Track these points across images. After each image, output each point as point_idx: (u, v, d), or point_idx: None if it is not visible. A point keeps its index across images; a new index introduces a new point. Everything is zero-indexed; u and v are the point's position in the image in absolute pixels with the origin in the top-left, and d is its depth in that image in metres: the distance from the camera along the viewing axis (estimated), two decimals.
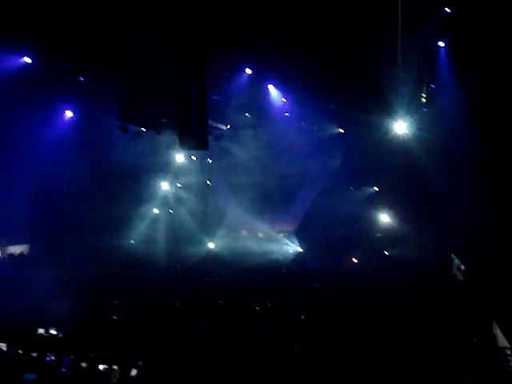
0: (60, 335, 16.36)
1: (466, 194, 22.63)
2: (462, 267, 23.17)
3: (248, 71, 24.24)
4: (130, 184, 28.66)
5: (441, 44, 21.42)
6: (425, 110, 24.21)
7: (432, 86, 23.64)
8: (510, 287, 17.37)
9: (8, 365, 13.22)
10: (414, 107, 24.30)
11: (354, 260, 26.78)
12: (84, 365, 13.23)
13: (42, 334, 16.34)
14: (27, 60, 21.65)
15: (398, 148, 25.70)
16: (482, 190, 21.65)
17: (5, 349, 14.51)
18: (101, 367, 13.13)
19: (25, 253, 27.79)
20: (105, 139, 25.76)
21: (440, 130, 23.19)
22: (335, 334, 16.01)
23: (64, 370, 13.14)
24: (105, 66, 20.84)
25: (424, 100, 23.91)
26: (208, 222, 31.04)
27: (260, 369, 13.44)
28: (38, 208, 25.70)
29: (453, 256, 24.68)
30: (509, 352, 15.02)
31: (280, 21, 18.99)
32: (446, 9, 19.07)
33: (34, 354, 13.86)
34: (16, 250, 27.54)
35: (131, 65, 20.23)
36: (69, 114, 25.42)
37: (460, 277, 23.09)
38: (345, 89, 23.93)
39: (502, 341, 16.15)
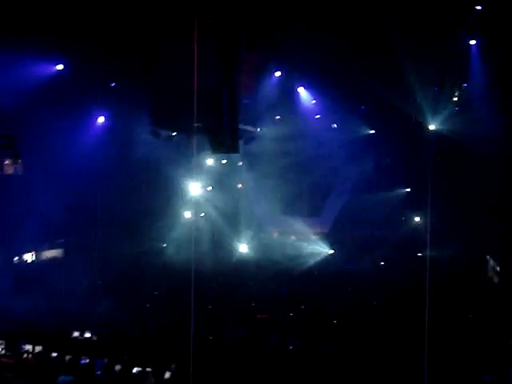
0: (94, 338, 16.52)
1: (501, 194, 22.33)
2: (498, 268, 22.84)
3: (278, 74, 24.23)
4: (162, 188, 28.84)
5: (472, 42, 21.14)
6: (457, 109, 23.93)
7: (464, 85, 23.36)
8: None
9: (44, 367, 13.40)
10: (446, 107, 24.05)
11: (382, 263, 26.49)
12: (118, 367, 13.34)
13: (76, 337, 16.53)
14: (59, 67, 21.98)
15: (431, 148, 25.45)
16: None
17: (41, 351, 14.73)
18: (134, 370, 13.22)
19: (59, 257, 28.14)
20: (137, 144, 25.96)
21: (473, 130, 22.91)
22: (370, 338, 15.90)
23: (98, 372, 13.27)
24: (135, 70, 21.02)
25: (456, 99, 23.65)
26: (240, 226, 31.07)
27: (291, 372, 13.42)
28: (72, 213, 25.99)
29: (488, 257, 24.34)
30: None
31: (311, 22, 18.95)
32: (477, 7, 18.80)
33: (69, 357, 14.02)
34: (51, 254, 27.91)
35: (162, 68, 20.35)
36: (101, 119, 25.66)
37: (496, 278, 22.76)
38: (376, 89, 23.77)
39: None
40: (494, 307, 18.38)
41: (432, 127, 24.85)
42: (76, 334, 16.65)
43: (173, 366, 13.67)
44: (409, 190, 29.21)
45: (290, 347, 15.78)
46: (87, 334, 16.66)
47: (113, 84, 23.45)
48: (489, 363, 13.76)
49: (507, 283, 20.93)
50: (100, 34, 18.85)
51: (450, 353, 14.55)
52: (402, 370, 13.31)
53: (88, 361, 14.09)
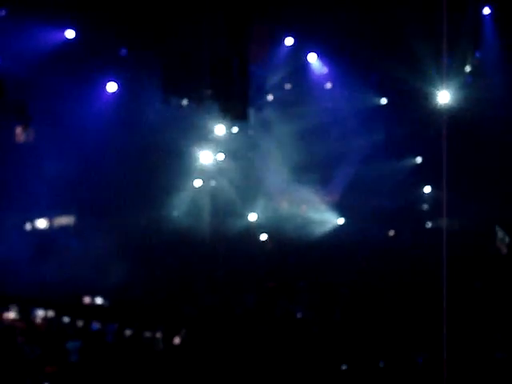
0: (106, 304, 16.74)
1: None
2: (507, 239, 22.80)
3: (289, 41, 24.00)
4: (171, 157, 28.82)
5: (486, 11, 20.81)
6: (470, 80, 23.67)
7: (477, 55, 23.07)
8: None
9: (55, 332, 13.62)
10: (458, 77, 23.79)
11: (392, 233, 26.48)
12: (129, 332, 13.53)
13: (88, 303, 16.74)
14: (70, 34, 21.84)
15: (443, 118, 25.26)
16: None
17: (52, 316, 14.94)
18: (145, 335, 13.42)
19: (71, 224, 28.29)
20: (147, 112, 25.90)
21: (486, 101, 22.69)
22: (377, 308, 16.01)
23: (109, 337, 13.48)
24: (147, 38, 20.91)
25: (469, 70, 23.38)
26: (249, 194, 31.09)
27: (300, 341, 13.55)
28: (81, 181, 26.07)
29: (497, 228, 24.28)
30: None
31: None
32: None
33: (80, 322, 14.24)
34: (62, 221, 28.03)
35: (173, 37, 20.26)
36: (111, 88, 25.57)
37: (504, 249, 22.73)
38: (387, 58, 23.54)
39: None
40: (501, 278, 18.40)
41: (444, 97, 24.64)
42: (87, 299, 16.87)
43: (183, 331, 13.86)
44: (420, 159, 29.05)
45: (299, 315, 15.94)
46: (98, 300, 16.88)
47: (123, 51, 23.31)
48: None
49: None
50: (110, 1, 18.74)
51: (466, 326, 14.55)
52: (416, 341, 13.37)
53: (99, 326, 14.30)
